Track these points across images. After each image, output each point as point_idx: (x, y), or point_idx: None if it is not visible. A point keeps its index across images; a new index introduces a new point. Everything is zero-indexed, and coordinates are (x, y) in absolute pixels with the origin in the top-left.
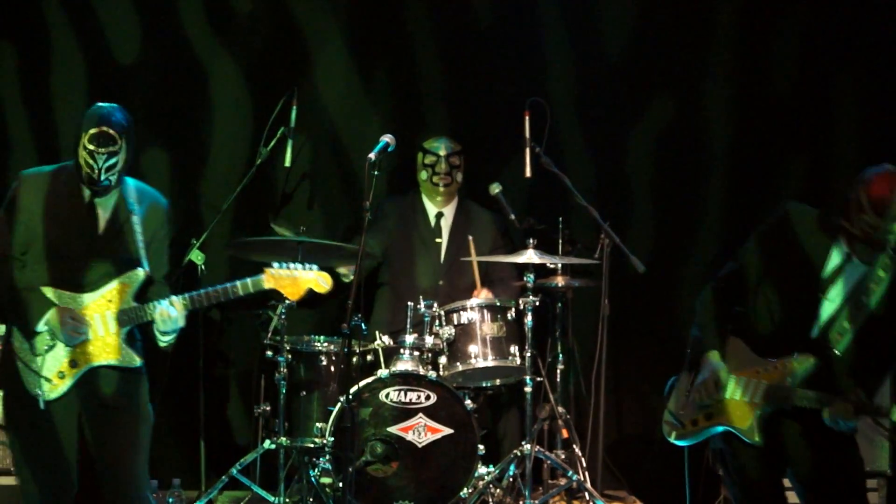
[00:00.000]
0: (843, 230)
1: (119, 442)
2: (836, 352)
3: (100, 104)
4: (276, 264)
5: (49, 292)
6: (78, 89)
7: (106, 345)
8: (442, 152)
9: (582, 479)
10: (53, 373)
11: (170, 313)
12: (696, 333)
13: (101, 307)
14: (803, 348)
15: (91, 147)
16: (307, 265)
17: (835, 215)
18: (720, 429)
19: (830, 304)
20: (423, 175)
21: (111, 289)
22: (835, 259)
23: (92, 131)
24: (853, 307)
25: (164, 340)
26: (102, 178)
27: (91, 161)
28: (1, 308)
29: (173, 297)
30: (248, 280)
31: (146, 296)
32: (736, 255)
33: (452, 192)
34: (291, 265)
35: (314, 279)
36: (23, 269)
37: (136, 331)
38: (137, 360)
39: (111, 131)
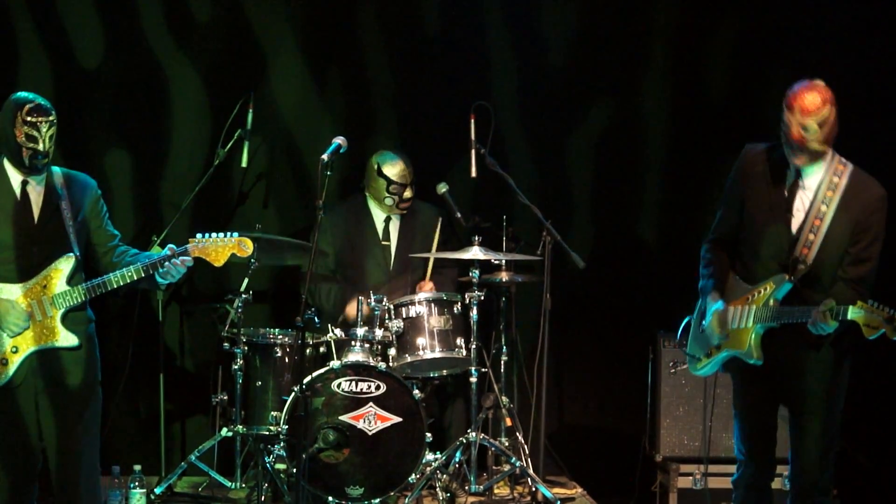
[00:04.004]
0: (786, 142)
1: (63, 422)
2: (808, 263)
3: (15, 94)
4: (198, 235)
5: None
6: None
7: (45, 328)
8: (405, 181)
9: (525, 465)
10: None
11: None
12: (701, 283)
13: (37, 294)
14: (783, 267)
15: (31, 119)
16: (228, 233)
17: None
18: (726, 354)
19: (795, 220)
20: (389, 202)
21: (45, 275)
22: (790, 177)
23: (28, 107)
24: (814, 218)
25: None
26: (47, 147)
27: (34, 132)
28: None
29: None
30: (177, 250)
31: (114, 265)
32: (719, 205)
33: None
34: (212, 235)
35: (235, 244)
36: None
37: (90, 311)
38: (75, 340)
39: (44, 104)
